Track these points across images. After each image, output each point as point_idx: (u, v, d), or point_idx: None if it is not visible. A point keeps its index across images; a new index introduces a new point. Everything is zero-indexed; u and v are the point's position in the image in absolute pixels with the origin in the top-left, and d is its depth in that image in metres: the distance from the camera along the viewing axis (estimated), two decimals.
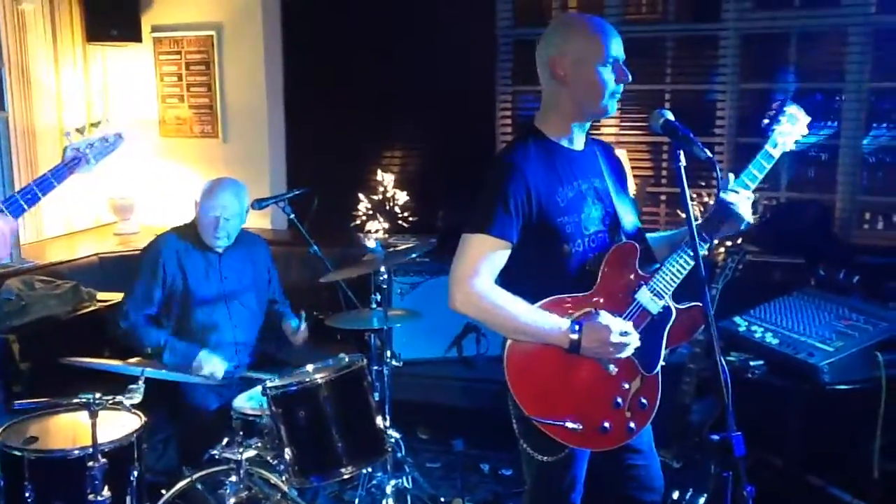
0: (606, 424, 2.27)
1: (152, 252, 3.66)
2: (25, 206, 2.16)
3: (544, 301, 2.24)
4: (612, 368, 2.27)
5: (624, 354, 2.24)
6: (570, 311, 2.25)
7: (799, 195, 4.70)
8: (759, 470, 3.49)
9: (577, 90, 2.27)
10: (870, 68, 4.39)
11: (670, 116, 2.14)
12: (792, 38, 4.58)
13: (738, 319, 3.55)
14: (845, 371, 3.12)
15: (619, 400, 2.29)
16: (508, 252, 2.23)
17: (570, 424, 2.21)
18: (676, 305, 2.36)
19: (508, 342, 2.23)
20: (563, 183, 2.28)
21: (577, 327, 2.19)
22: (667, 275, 2.30)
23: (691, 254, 2.20)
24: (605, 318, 2.22)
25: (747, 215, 2.36)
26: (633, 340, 2.24)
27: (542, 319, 2.20)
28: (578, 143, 2.38)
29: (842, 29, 4.45)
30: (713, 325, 1.98)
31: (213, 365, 3.49)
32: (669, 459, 3.36)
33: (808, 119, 2.50)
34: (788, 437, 3.36)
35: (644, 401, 2.32)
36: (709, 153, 2.01)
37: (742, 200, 2.32)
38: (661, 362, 2.35)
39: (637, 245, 2.34)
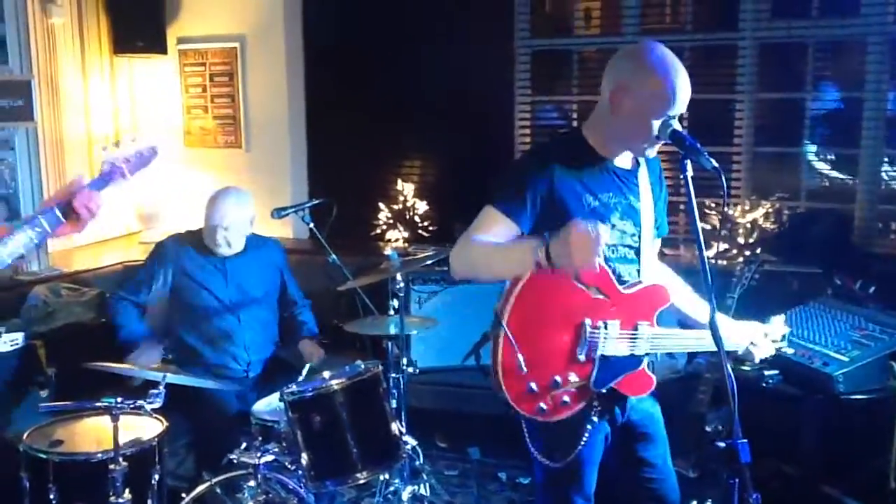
0: (535, 388, 2.24)
1: (149, 257, 3.78)
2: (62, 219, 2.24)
3: None
4: (582, 357, 2.27)
5: (593, 251, 2.04)
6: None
7: (819, 204, 4.69)
8: (775, 479, 3.49)
9: (623, 126, 2.26)
10: (888, 77, 4.38)
11: (678, 126, 2.16)
12: (810, 48, 4.58)
13: None
14: (860, 381, 3.11)
15: (559, 382, 2.26)
16: (514, 235, 2.25)
17: (520, 355, 2.21)
18: (644, 366, 2.37)
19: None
20: (592, 192, 2.29)
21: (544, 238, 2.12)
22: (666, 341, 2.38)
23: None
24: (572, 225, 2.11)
25: (759, 357, 2.60)
26: (601, 235, 2.05)
27: (515, 243, 2.23)
28: (622, 161, 2.37)
29: (860, 39, 4.44)
30: (720, 338, 1.99)
31: (144, 359, 3.46)
32: (685, 469, 3.36)
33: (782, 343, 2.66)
34: (804, 447, 3.35)
35: (567, 400, 2.29)
36: (715, 163, 2.02)
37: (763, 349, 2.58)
38: (603, 390, 2.31)
39: (670, 297, 2.38)
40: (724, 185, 2.00)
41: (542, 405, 2.27)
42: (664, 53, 2.25)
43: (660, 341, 2.36)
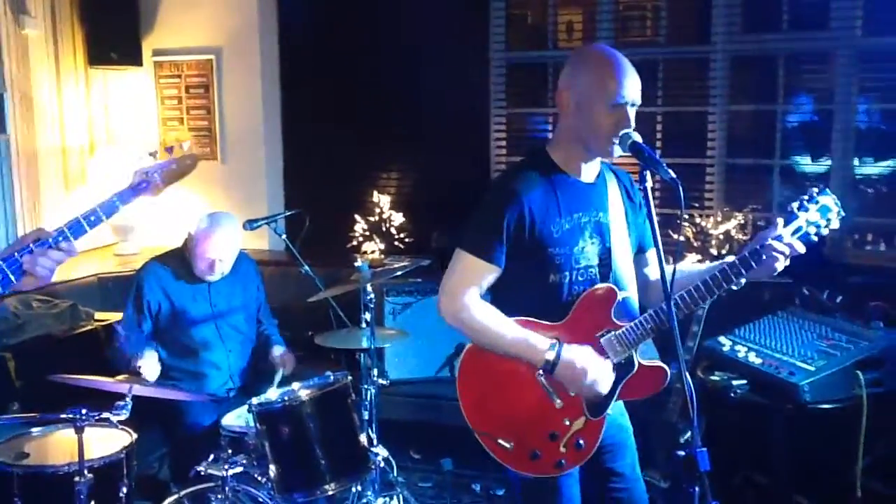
0: (538, 452, 2.28)
1: (134, 287, 3.71)
2: (87, 228, 2.08)
3: (515, 319, 2.29)
4: (558, 402, 2.29)
5: (594, 393, 2.26)
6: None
7: None
8: (746, 489, 3.51)
9: (579, 126, 2.28)
10: (857, 89, 4.43)
11: (638, 138, 2.19)
12: (780, 61, 4.63)
13: (722, 339, 3.56)
14: (826, 390, 3.13)
15: (556, 433, 2.29)
16: (496, 274, 2.30)
17: (501, 441, 2.26)
18: (642, 360, 2.34)
19: (468, 345, 2.33)
20: (562, 214, 2.30)
21: (553, 352, 2.23)
22: (639, 328, 2.29)
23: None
24: (583, 351, 2.26)
25: (781, 265, 2.31)
26: (606, 381, 2.27)
27: (523, 336, 2.25)
28: (587, 175, 2.38)
29: (829, 51, 4.50)
30: (679, 345, 2.00)
31: (148, 367, 3.43)
32: (657, 480, 3.37)
33: (841, 213, 2.40)
34: (773, 456, 3.36)
35: (582, 442, 2.31)
36: (672, 174, 2.04)
37: (785, 249, 2.28)
38: (608, 410, 2.32)
39: (616, 290, 2.32)
40: (682, 195, 2.01)
41: (561, 460, 2.30)
42: (600, 48, 2.35)
43: (633, 337, 2.29)
